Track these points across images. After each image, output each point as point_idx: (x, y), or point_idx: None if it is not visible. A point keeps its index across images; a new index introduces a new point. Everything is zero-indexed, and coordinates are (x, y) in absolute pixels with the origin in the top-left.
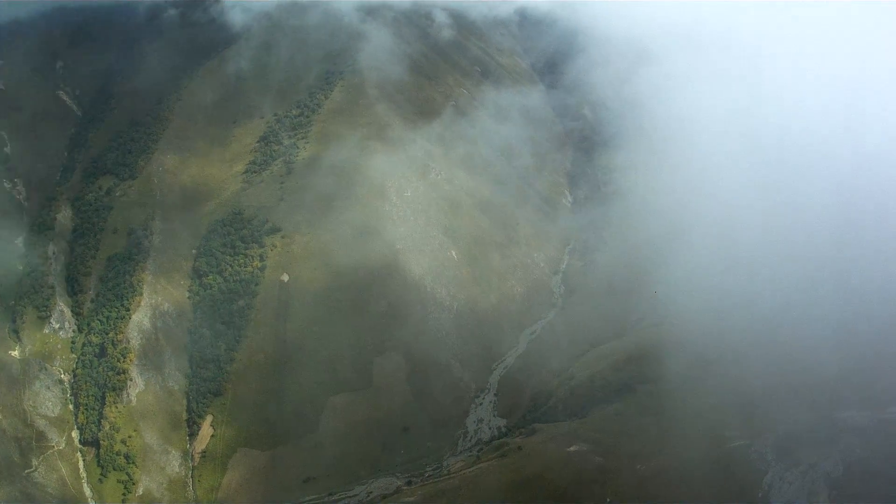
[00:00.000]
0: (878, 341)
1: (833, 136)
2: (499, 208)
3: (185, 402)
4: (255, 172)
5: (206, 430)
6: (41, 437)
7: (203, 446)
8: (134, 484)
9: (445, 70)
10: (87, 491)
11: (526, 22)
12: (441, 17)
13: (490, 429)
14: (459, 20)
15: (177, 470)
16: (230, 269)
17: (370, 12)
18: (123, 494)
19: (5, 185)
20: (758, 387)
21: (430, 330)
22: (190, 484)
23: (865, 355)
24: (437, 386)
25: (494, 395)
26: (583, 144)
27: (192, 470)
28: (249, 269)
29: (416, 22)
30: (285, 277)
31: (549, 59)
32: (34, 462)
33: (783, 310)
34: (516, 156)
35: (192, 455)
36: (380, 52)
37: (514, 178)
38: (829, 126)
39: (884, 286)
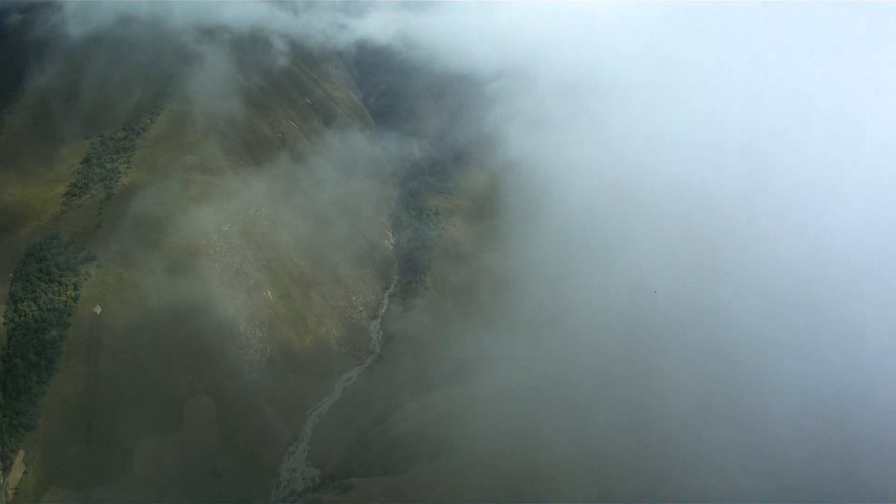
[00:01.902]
0: None
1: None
2: (319, 249)
3: None
4: (75, 196)
5: (18, 465)
6: None
7: (16, 483)
8: None
9: (276, 101)
10: None
11: (363, 54)
12: (279, 44)
13: (304, 479)
14: (296, 48)
15: None
16: (44, 296)
17: (207, 33)
18: None
19: None
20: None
21: (243, 372)
22: None
23: None
24: (249, 431)
25: (308, 443)
26: (409, 184)
27: None
28: (63, 297)
29: (252, 47)
30: (98, 309)
31: (383, 93)
32: None
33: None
34: (341, 195)
35: (6, 491)
36: (211, 77)
37: (336, 218)
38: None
39: None
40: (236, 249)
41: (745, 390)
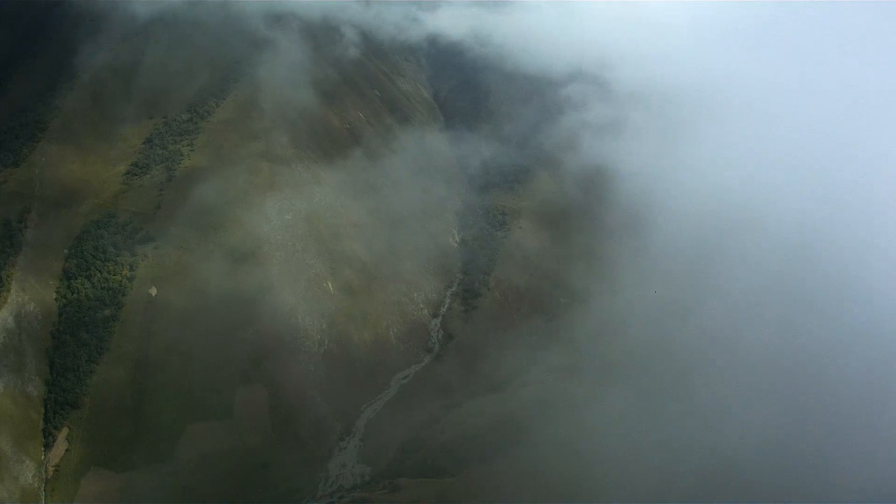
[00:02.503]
0: None
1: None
2: (382, 243)
3: (42, 410)
4: (135, 175)
5: (60, 443)
6: None
7: (58, 460)
8: None
9: (346, 92)
10: None
11: (434, 50)
12: (350, 34)
13: (353, 475)
14: (367, 40)
15: (30, 481)
16: (99, 274)
17: (277, 19)
18: None
19: None
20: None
21: (299, 364)
22: (42, 499)
23: None
24: (301, 424)
25: (360, 439)
26: (477, 183)
27: (46, 483)
28: (118, 277)
29: (323, 37)
30: (153, 291)
31: (454, 90)
32: None
33: None
34: (407, 189)
35: (47, 468)
36: (281, 64)
37: (402, 213)
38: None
39: None
40: (298, 239)
41: None
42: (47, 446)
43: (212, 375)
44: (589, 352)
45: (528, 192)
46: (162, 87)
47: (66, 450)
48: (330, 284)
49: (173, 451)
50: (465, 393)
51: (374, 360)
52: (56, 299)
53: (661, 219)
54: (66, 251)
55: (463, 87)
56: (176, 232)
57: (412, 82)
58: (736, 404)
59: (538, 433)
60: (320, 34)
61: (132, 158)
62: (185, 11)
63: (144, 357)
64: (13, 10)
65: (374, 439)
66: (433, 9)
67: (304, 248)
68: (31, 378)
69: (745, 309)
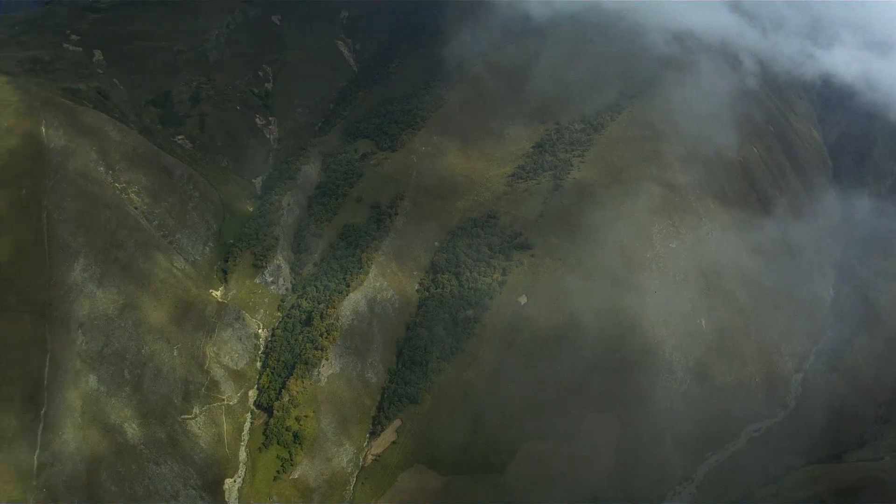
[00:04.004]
0: None
1: None
2: (759, 287)
3: (378, 398)
4: (521, 179)
5: (389, 434)
6: (213, 386)
7: (380, 450)
8: (293, 465)
9: (741, 121)
10: (242, 455)
11: (826, 90)
12: (748, 63)
13: None
14: (765, 70)
15: (343, 465)
16: (468, 273)
17: (677, 37)
18: (277, 472)
19: (258, 120)
20: None
21: (657, 400)
22: (351, 484)
23: None
24: (643, 461)
25: (696, 487)
26: (858, 242)
27: (360, 471)
28: (488, 280)
29: (722, 61)
30: (523, 300)
31: (841, 137)
32: (195, 410)
33: None
34: (792, 235)
35: (366, 455)
36: (679, 85)
37: (782, 259)
38: None
39: None
40: (679, 270)
41: None
42: (373, 434)
43: (565, 397)
44: None
45: None
46: (556, 92)
47: (393, 442)
48: (703, 321)
49: (505, 465)
50: (807, 455)
51: (729, 407)
52: (418, 290)
53: None
54: (436, 244)
55: (850, 134)
56: (556, 243)
57: (805, 122)
58: None
59: None
60: (719, 59)
61: (519, 161)
62: (583, 18)
63: (500, 365)
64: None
65: (712, 489)
66: (828, 46)
67: (684, 280)
68: (373, 364)
69: None
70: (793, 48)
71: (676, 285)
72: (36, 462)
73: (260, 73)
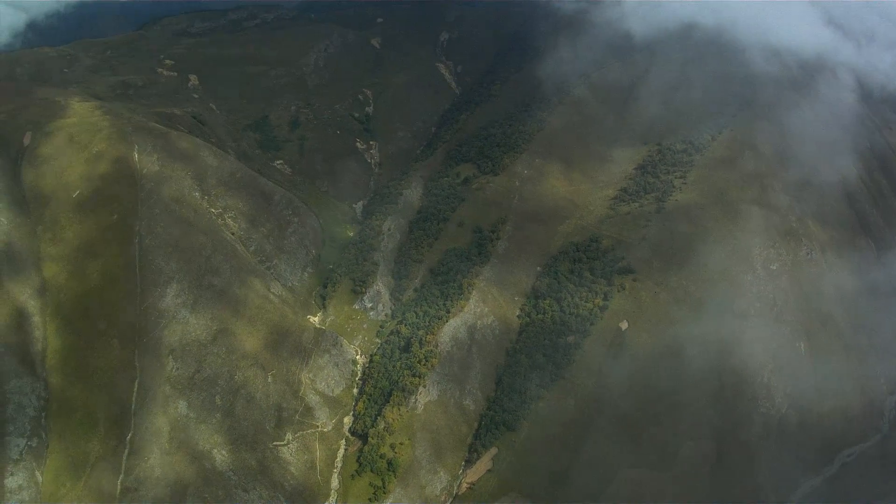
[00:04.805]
0: None
1: None
2: (859, 311)
3: (475, 425)
4: (623, 202)
5: (485, 462)
6: (307, 413)
7: (475, 478)
8: (385, 493)
9: (840, 137)
10: (335, 482)
11: None
12: (845, 78)
13: None
14: (861, 86)
15: (437, 493)
16: (570, 298)
17: (775, 54)
18: (369, 499)
19: (358, 144)
20: None
21: (754, 426)
22: None
23: None
24: (740, 489)
25: None
26: None
27: (453, 499)
28: (589, 305)
29: (821, 77)
30: (624, 325)
31: None
32: (287, 436)
33: None
34: (890, 255)
35: (460, 483)
36: (779, 105)
37: (880, 280)
38: None
39: None
40: (780, 292)
41: None
42: (468, 462)
43: (663, 425)
44: None
45: None
46: (657, 112)
47: (489, 470)
48: (803, 345)
49: (600, 494)
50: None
51: (825, 433)
52: (519, 316)
53: None
54: (538, 269)
55: None
56: (658, 266)
57: None
58: None
59: None
60: (817, 75)
61: (622, 183)
62: (683, 36)
63: (599, 392)
64: (496, 18)
65: None
66: None
67: (784, 303)
68: (471, 391)
69: None
70: (886, 62)
71: (777, 308)
72: (119, 487)
73: (360, 96)
